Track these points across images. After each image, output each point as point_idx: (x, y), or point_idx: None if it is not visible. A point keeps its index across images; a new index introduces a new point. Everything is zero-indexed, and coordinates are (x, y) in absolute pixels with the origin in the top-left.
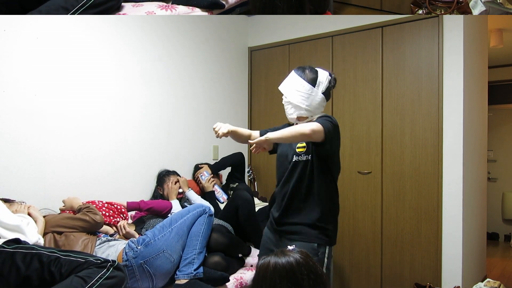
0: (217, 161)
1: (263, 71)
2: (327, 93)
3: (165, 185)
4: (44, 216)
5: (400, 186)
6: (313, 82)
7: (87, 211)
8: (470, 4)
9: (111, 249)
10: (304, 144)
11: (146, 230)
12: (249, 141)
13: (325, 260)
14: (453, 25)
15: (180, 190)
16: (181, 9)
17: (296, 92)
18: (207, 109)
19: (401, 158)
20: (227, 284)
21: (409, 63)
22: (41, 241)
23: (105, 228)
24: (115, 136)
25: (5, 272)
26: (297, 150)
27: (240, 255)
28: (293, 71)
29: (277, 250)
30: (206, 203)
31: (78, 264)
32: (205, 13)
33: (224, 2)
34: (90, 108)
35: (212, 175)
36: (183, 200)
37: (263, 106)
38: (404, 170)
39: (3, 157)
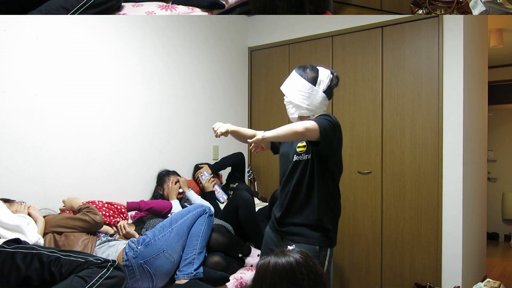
0: (217, 161)
1: (263, 71)
2: (328, 92)
3: (165, 185)
4: (44, 216)
5: (400, 186)
6: (313, 81)
7: (87, 211)
8: (470, 4)
9: (111, 249)
10: (304, 144)
11: (146, 230)
12: (248, 140)
13: (326, 263)
14: (453, 25)
15: (180, 190)
16: (181, 9)
17: (297, 92)
18: (207, 109)
19: (401, 158)
20: (227, 284)
21: (409, 63)
22: (41, 241)
23: (105, 228)
24: (115, 136)
25: (6, 272)
26: (298, 149)
27: (240, 255)
28: (294, 70)
29: (277, 250)
30: (206, 203)
31: (78, 264)
32: (205, 13)
33: (224, 2)
34: (90, 108)
35: (212, 175)
36: (183, 200)
37: (263, 106)
38: (404, 170)
39: (3, 157)
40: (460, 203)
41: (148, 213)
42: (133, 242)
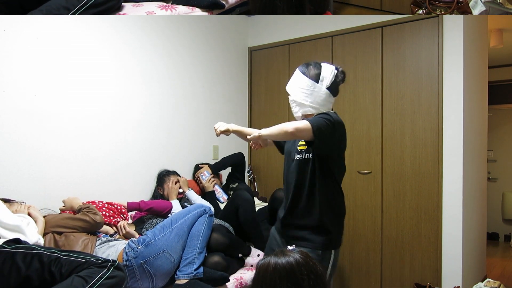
0: (217, 161)
1: (263, 71)
2: (333, 88)
3: (165, 185)
4: (44, 216)
5: (400, 186)
6: (316, 77)
7: (87, 211)
8: (470, 4)
9: (111, 249)
10: (304, 142)
11: (146, 230)
12: (247, 137)
13: (330, 266)
14: (453, 25)
15: (180, 190)
16: (181, 9)
17: (299, 90)
18: (207, 109)
19: (401, 158)
20: (227, 284)
21: (409, 63)
22: (41, 241)
23: (105, 228)
24: (115, 136)
25: (6, 272)
26: (299, 148)
27: (240, 255)
28: (297, 68)
29: (277, 250)
30: (206, 203)
31: (78, 264)
32: (205, 13)
33: (224, 2)
34: (90, 108)
35: (212, 175)
36: (183, 200)
37: (263, 106)
38: (404, 170)
39: (3, 157)
40: (460, 203)
41: (148, 213)
42: (133, 242)
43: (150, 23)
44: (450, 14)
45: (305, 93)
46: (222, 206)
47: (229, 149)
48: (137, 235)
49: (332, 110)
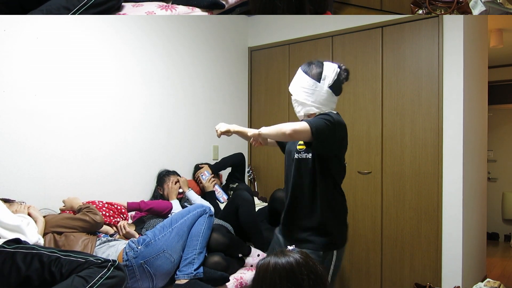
0: (218, 161)
1: (263, 71)
2: (335, 87)
3: (165, 185)
4: (44, 216)
5: (400, 186)
6: (317, 76)
7: (87, 211)
8: (470, 4)
9: (111, 249)
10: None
11: (146, 230)
12: (248, 133)
13: (332, 267)
14: (453, 25)
15: (180, 190)
16: (181, 9)
17: (301, 89)
18: (207, 109)
19: (401, 158)
20: (227, 284)
21: (409, 63)
22: (41, 241)
23: (105, 228)
24: (115, 136)
25: (6, 272)
26: (298, 147)
27: (240, 255)
28: (300, 67)
29: (277, 250)
30: (206, 203)
31: (78, 264)
32: (205, 13)
33: (224, 2)
34: (90, 108)
35: (212, 175)
36: (183, 200)
37: (263, 106)
38: (404, 170)
39: (3, 157)
40: (460, 203)
41: (149, 214)
42: (133, 242)
43: (150, 23)
44: (450, 14)
45: (307, 92)
46: (222, 206)
47: (229, 149)
48: (137, 235)
49: (335, 110)
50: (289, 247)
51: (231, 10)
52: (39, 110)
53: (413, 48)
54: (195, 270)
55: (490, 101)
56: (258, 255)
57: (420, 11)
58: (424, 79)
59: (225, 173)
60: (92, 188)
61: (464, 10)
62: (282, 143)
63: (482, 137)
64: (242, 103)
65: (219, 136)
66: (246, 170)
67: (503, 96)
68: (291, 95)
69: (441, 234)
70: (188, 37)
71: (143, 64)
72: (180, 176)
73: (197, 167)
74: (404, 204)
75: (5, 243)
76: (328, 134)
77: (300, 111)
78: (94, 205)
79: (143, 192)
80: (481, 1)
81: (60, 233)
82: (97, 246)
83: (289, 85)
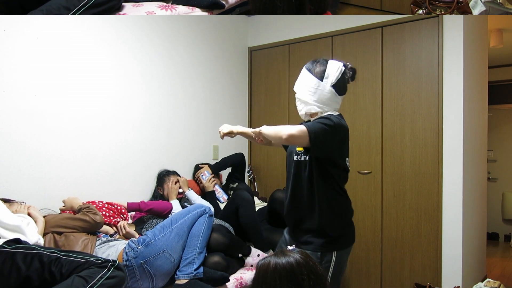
0: (218, 161)
1: (263, 71)
2: (339, 86)
3: (165, 185)
4: (44, 216)
5: (400, 186)
6: (320, 75)
7: (87, 211)
8: (470, 4)
9: (111, 249)
10: None
11: (146, 230)
12: (250, 131)
13: (331, 268)
14: (453, 25)
15: (180, 190)
16: (181, 9)
17: (304, 87)
18: (207, 109)
19: (401, 158)
20: (227, 284)
21: (409, 63)
22: (41, 241)
23: (105, 228)
24: (115, 136)
25: (6, 272)
26: (297, 149)
27: (240, 255)
28: (304, 65)
29: (277, 250)
30: (206, 203)
31: (78, 264)
32: (205, 13)
33: (224, 2)
34: (90, 108)
35: (212, 175)
36: (183, 200)
37: (263, 106)
38: (404, 170)
39: (3, 157)
40: (460, 203)
41: (149, 214)
42: (133, 242)
43: (150, 23)
44: (450, 14)
45: (309, 91)
46: (222, 206)
47: (229, 149)
48: (137, 235)
49: (338, 111)
50: (289, 247)
51: (231, 10)
52: (39, 110)
53: (413, 48)
54: (195, 270)
55: (490, 101)
56: (258, 255)
57: (420, 11)
58: (424, 79)
59: (225, 173)
60: (92, 188)
61: (464, 10)
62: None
63: (482, 137)
64: (242, 103)
65: (222, 137)
66: (246, 170)
67: (503, 96)
68: (295, 93)
69: (441, 234)
70: (188, 37)
71: (143, 64)
72: (180, 176)
73: (197, 167)
74: (404, 204)
75: (5, 243)
76: (327, 139)
77: (301, 109)
78: (94, 205)
79: (143, 192)
80: (481, 1)
81: (60, 233)
82: (97, 246)
83: (289, 85)
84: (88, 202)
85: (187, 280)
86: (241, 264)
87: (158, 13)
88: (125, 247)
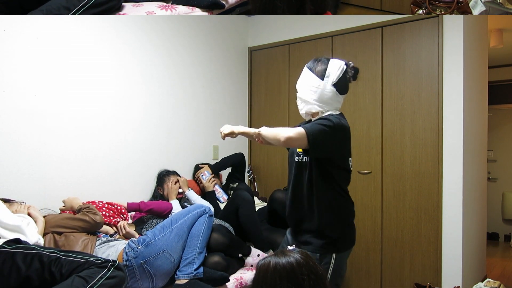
0: (218, 161)
1: (263, 71)
2: (340, 85)
3: (165, 185)
4: (44, 216)
5: (400, 186)
6: (321, 74)
7: (87, 211)
8: (470, 4)
9: (111, 249)
10: None
11: (146, 230)
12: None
13: (330, 270)
14: (453, 25)
15: (180, 190)
16: (181, 9)
17: (305, 86)
18: (207, 109)
19: (401, 158)
20: (227, 284)
21: (409, 63)
22: (41, 241)
23: (105, 228)
24: (115, 136)
25: (6, 272)
26: (298, 150)
27: (240, 255)
28: (306, 64)
29: (277, 250)
30: (206, 203)
31: (78, 264)
32: (205, 13)
33: (224, 2)
34: (90, 108)
35: (212, 175)
36: (183, 200)
37: (263, 106)
38: (404, 170)
39: (3, 157)
40: (460, 203)
41: (148, 214)
42: (133, 242)
43: (150, 23)
44: (450, 14)
45: (310, 90)
46: (222, 206)
47: (229, 149)
48: (137, 235)
49: (339, 110)
50: (289, 247)
51: (231, 10)
52: (39, 110)
53: (413, 48)
54: (195, 270)
55: (490, 101)
56: (258, 255)
57: (420, 11)
58: (424, 79)
59: (225, 173)
60: (92, 188)
61: (464, 10)
62: None
63: (482, 137)
64: (242, 103)
65: (223, 138)
66: (246, 170)
67: (503, 96)
68: (297, 92)
69: (441, 234)
70: (188, 37)
71: (143, 64)
72: (180, 176)
73: (197, 167)
74: (404, 204)
75: (5, 243)
76: (326, 140)
77: (302, 108)
78: (94, 205)
79: (143, 192)
80: (481, 1)
81: (60, 233)
82: (97, 246)
83: (289, 85)
84: (88, 202)
85: (187, 280)
86: (241, 264)
87: (158, 13)
88: (125, 247)
